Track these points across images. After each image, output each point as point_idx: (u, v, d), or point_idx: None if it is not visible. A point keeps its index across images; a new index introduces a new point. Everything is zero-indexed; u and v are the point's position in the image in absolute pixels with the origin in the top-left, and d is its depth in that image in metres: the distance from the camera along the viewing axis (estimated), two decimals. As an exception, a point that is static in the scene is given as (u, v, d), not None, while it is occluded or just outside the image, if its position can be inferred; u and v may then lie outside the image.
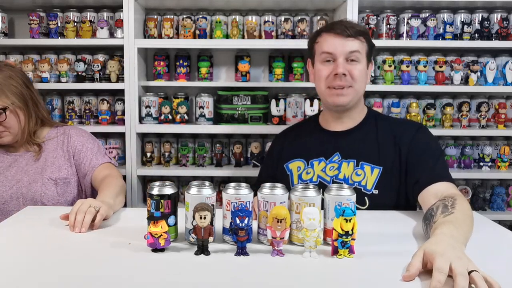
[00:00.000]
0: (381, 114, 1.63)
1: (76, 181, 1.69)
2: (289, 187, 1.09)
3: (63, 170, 1.66)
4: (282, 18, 2.37)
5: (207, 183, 1.09)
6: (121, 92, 2.31)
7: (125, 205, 2.36)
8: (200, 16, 2.34)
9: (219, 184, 2.41)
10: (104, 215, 1.24)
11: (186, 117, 2.33)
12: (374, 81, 2.36)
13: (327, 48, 1.43)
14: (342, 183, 1.42)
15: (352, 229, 0.97)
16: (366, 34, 1.47)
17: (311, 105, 2.22)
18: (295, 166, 1.53)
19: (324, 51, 1.44)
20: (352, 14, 2.18)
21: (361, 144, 1.47)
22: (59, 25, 2.34)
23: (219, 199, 1.68)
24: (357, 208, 1.40)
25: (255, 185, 1.57)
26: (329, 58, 1.43)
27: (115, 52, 2.39)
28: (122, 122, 2.33)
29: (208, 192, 1.05)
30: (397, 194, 1.42)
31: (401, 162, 1.42)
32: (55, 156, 1.68)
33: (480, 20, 2.33)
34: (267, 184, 1.08)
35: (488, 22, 2.31)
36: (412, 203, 1.42)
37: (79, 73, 2.34)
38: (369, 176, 1.43)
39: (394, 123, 1.54)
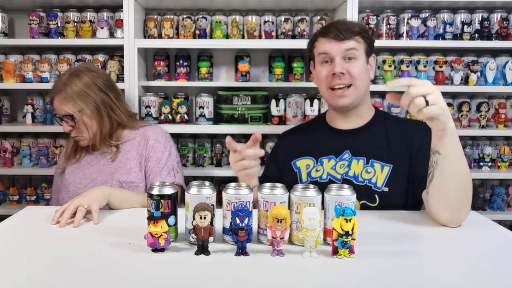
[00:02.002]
0: (389, 114, 1.64)
1: (144, 186, 1.66)
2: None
3: (132, 174, 1.64)
4: (282, 18, 2.37)
5: (207, 183, 1.09)
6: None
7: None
8: (200, 16, 2.34)
9: (219, 184, 2.41)
10: (97, 210, 1.27)
11: (186, 117, 2.33)
12: (374, 81, 2.36)
13: (323, 49, 1.46)
14: (351, 180, 1.43)
15: (352, 229, 0.97)
16: (363, 32, 1.47)
17: (311, 105, 2.21)
18: (303, 163, 1.53)
19: (321, 52, 1.47)
20: (352, 14, 2.18)
21: (371, 142, 1.48)
22: (59, 25, 2.34)
23: (219, 199, 1.68)
24: (368, 206, 1.41)
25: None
26: (327, 58, 1.46)
27: (115, 52, 2.39)
28: (122, 122, 2.33)
29: (208, 192, 1.05)
30: (406, 192, 1.43)
31: (411, 162, 1.43)
32: (128, 158, 1.67)
33: (480, 20, 2.33)
34: (267, 184, 1.08)
35: (488, 22, 2.31)
36: (420, 201, 1.42)
37: (79, 73, 2.34)
38: (380, 173, 1.43)
39: (403, 123, 1.55)
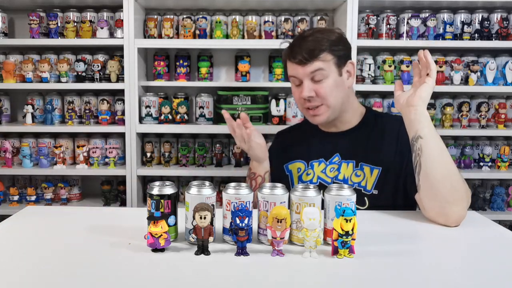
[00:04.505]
0: (380, 112, 1.63)
1: None
2: (288, 188, 1.09)
3: None
4: (282, 18, 2.37)
5: (207, 183, 1.08)
6: (121, 92, 2.31)
7: (125, 205, 2.38)
8: (200, 16, 2.34)
9: (219, 184, 2.41)
10: None
11: (186, 117, 2.34)
12: (374, 81, 2.36)
13: (290, 73, 1.44)
14: (341, 183, 1.42)
15: (352, 229, 0.97)
16: (332, 46, 1.39)
17: (311, 105, 2.21)
18: (295, 167, 1.53)
19: (290, 75, 1.45)
20: (352, 14, 2.18)
21: (360, 145, 1.47)
22: (59, 25, 2.34)
23: (219, 199, 1.68)
24: (357, 209, 1.40)
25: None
26: (296, 81, 1.44)
27: (115, 52, 2.39)
28: (122, 122, 2.33)
29: (208, 192, 1.05)
30: (396, 194, 1.42)
31: (403, 160, 1.42)
32: None
33: (480, 20, 2.33)
34: (267, 184, 1.08)
35: (488, 22, 2.31)
36: (412, 202, 1.42)
37: (79, 73, 2.34)
38: (369, 177, 1.42)
39: (396, 120, 1.54)
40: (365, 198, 1.42)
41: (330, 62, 1.40)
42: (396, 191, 1.42)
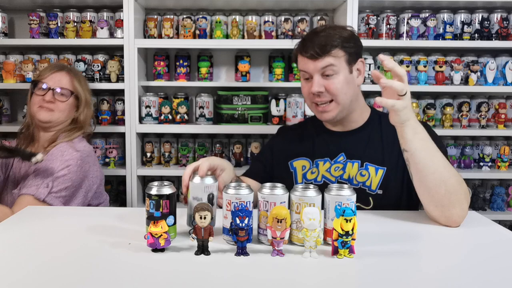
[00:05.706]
0: (384, 113, 1.63)
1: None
2: (292, 185, 1.09)
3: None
4: (282, 18, 2.37)
5: (209, 172, 1.12)
6: (121, 92, 2.31)
7: (125, 205, 2.38)
8: (200, 16, 2.34)
9: (219, 184, 2.41)
10: None
11: (186, 117, 2.33)
12: (374, 81, 2.36)
13: (301, 67, 1.44)
14: (346, 183, 1.42)
15: (352, 229, 0.97)
16: (344, 42, 1.39)
17: (311, 105, 2.22)
18: (300, 164, 1.52)
19: (300, 69, 1.45)
20: (352, 14, 2.18)
21: (365, 145, 1.47)
22: (59, 25, 2.34)
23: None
24: (362, 208, 1.40)
25: (245, 173, 1.57)
26: (307, 76, 1.44)
27: (115, 52, 2.39)
28: (122, 122, 2.33)
29: (209, 181, 1.07)
30: (400, 194, 1.42)
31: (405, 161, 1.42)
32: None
33: (480, 20, 2.33)
34: (267, 184, 1.08)
35: (488, 22, 2.31)
36: (415, 202, 1.42)
37: (79, 73, 2.34)
38: (374, 176, 1.43)
39: None
40: (370, 198, 1.42)
41: (341, 58, 1.40)
42: (401, 191, 1.42)
